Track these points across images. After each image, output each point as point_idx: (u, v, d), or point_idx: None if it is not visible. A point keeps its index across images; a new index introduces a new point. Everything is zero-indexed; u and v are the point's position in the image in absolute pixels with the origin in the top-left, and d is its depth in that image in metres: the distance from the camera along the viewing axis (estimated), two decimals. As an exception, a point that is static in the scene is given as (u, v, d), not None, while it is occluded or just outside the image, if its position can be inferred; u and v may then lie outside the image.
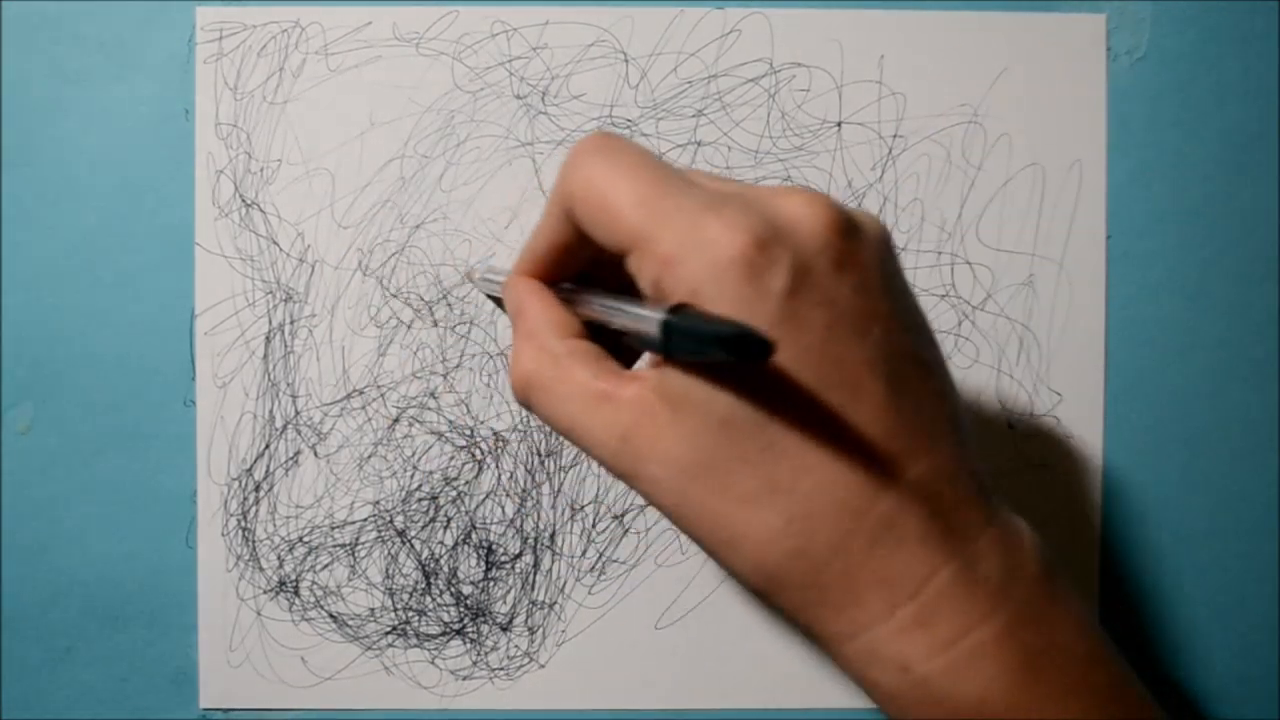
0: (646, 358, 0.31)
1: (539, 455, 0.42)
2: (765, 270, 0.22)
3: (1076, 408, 0.42)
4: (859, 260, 0.23)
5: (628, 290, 0.25)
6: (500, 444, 0.42)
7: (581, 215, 0.25)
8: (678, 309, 0.22)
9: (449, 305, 0.42)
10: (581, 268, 0.28)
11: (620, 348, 0.27)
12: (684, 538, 0.42)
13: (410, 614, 0.42)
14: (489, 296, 0.41)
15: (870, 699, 0.25)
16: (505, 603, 0.42)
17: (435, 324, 0.42)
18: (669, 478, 0.23)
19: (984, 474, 0.25)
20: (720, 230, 0.22)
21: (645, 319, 0.22)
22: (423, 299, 0.42)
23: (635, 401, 0.24)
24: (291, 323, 0.42)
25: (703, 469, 0.23)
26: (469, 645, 0.42)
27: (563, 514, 0.42)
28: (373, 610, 0.42)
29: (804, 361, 0.22)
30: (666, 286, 0.23)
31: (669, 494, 0.24)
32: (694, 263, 0.22)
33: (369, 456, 0.42)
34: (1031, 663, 0.23)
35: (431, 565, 0.42)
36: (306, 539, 0.42)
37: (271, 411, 0.42)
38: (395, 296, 0.42)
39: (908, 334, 0.24)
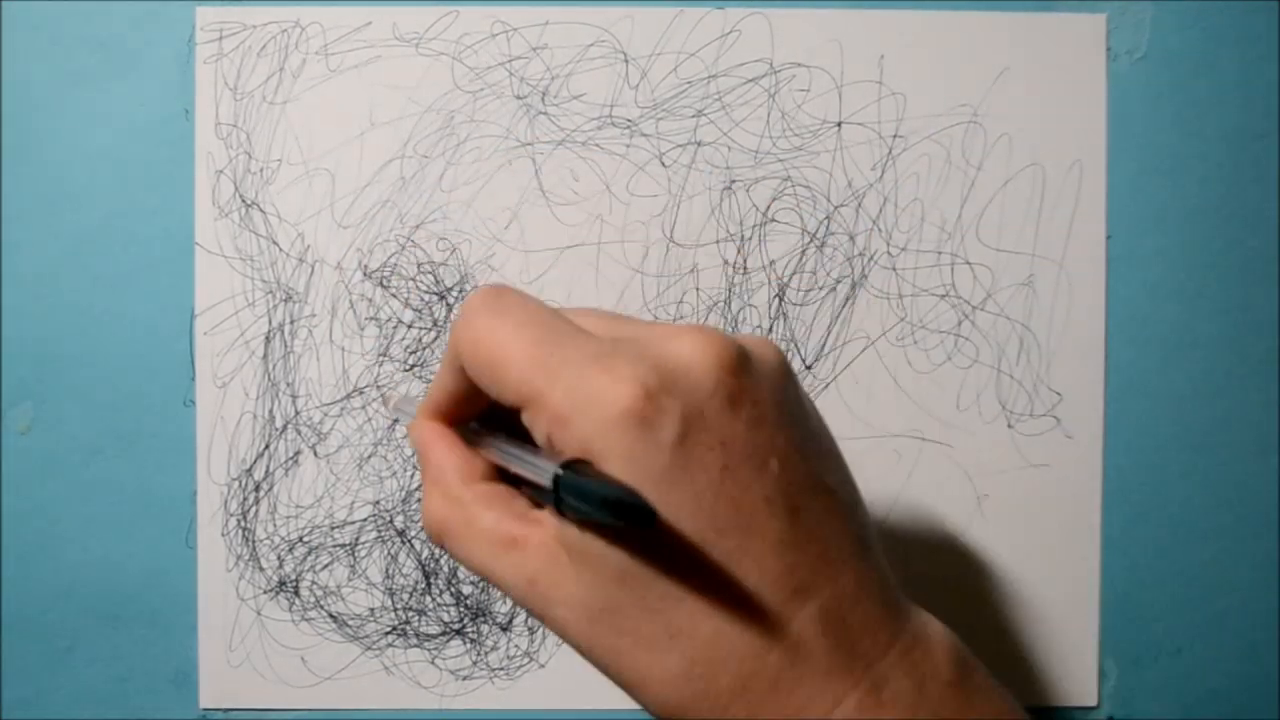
0: None
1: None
2: (654, 421, 0.22)
3: (1076, 408, 0.42)
4: (753, 395, 0.23)
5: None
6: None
7: (473, 372, 0.25)
8: (569, 465, 0.22)
9: (449, 305, 0.42)
10: (483, 409, 0.28)
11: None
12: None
13: (410, 614, 0.42)
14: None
15: None
16: (505, 603, 0.42)
17: (435, 324, 0.42)
18: (574, 621, 0.24)
19: (889, 583, 0.25)
20: (608, 384, 0.22)
21: (539, 471, 0.23)
22: (423, 299, 0.42)
23: (539, 548, 0.24)
24: (291, 323, 0.42)
25: (605, 614, 0.23)
26: (469, 645, 0.42)
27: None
28: (373, 610, 0.42)
29: (698, 508, 0.22)
30: (559, 442, 0.23)
31: (576, 635, 0.24)
32: (583, 419, 0.22)
33: (369, 456, 0.42)
34: None
35: (431, 565, 0.42)
36: (306, 539, 0.42)
37: (271, 411, 0.42)
38: (395, 296, 0.42)
39: (807, 461, 0.24)
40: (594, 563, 0.23)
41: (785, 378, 0.25)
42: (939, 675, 0.24)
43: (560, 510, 0.23)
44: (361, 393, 0.42)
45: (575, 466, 0.22)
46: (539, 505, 0.26)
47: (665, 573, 0.22)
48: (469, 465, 0.27)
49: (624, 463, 0.22)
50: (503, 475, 0.27)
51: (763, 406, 0.23)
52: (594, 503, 0.21)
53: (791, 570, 0.23)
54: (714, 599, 0.22)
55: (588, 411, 0.22)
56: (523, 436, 0.25)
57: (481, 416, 0.28)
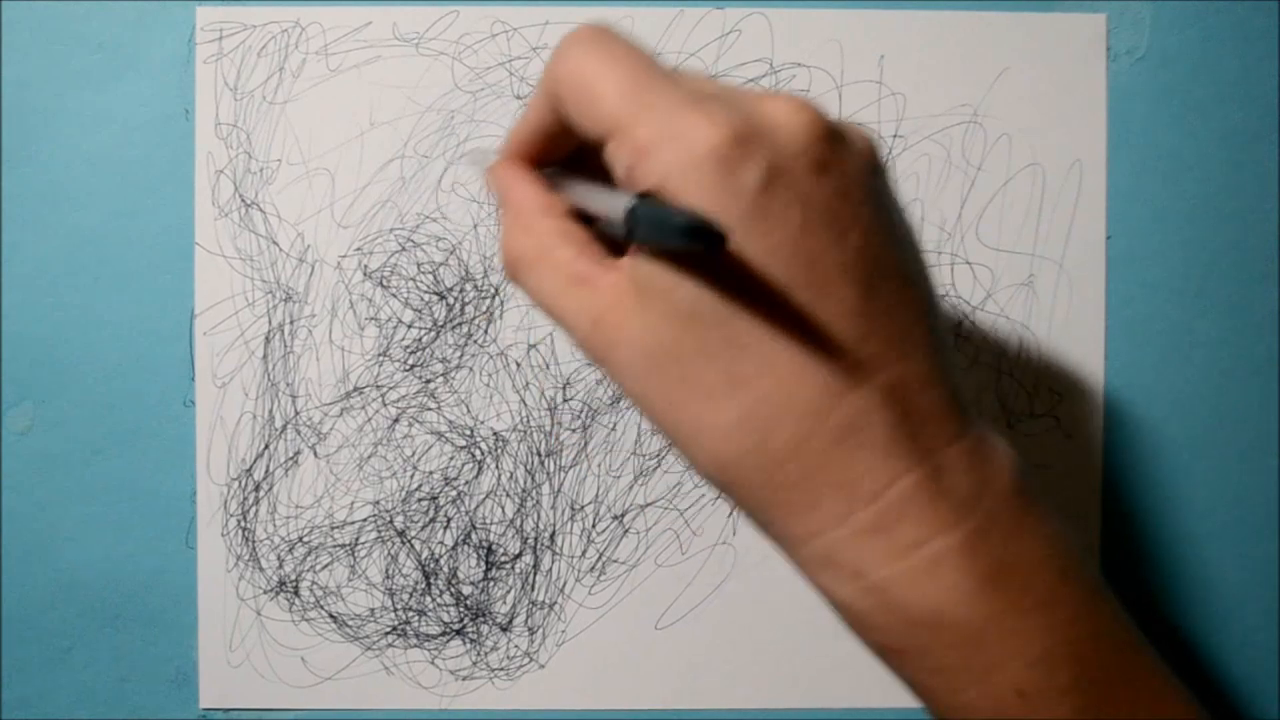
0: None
1: (539, 455, 0.42)
2: (739, 165, 0.22)
3: (1076, 408, 0.42)
4: (841, 167, 0.23)
5: (608, 180, 0.25)
6: (500, 444, 0.42)
7: (566, 102, 0.25)
8: (644, 196, 0.22)
9: (449, 305, 0.42)
10: (565, 154, 0.28)
11: (606, 237, 0.27)
12: (684, 537, 0.42)
13: (410, 614, 0.42)
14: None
15: (831, 609, 0.24)
16: (505, 603, 0.42)
17: (435, 324, 0.42)
18: (634, 365, 0.23)
19: (962, 390, 0.24)
20: (697, 122, 0.22)
21: (613, 204, 0.23)
22: (423, 299, 0.42)
23: (610, 287, 0.24)
24: (291, 323, 0.42)
25: (666, 358, 0.23)
26: (469, 645, 0.42)
27: (563, 514, 0.42)
28: (373, 610, 0.42)
29: (774, 258, 0.22)
30: (638, 175, 0.23)
31: (634, 381, 0.24)
32: (667, 153, 0.22)
33: (369, 456, 0.42)
34: (994, 575, 0.23)
35: (431, 565, 0.42)
36: (306, 539, 0.42)
37: (271, 411, 0.42)
38: (395, 296, 0.42)
39: (890, 244, 0.24)
40: (661, 299, 0.23)
41: (875, 164, 0.24)
42: (1000, 482, 0.24)
43: (631, 240, 0.22)
44: (361, 392, 0.42)
45: (650, 197, 0.22)
46: (614, 254, 0.26)
47: (733, 315, 0.22)
48: (549, 202, 0.27)
49: (703, 199, 0.22)
50: (580, 221, 0.27)
51: (848, 180, 0.23)
52: (666, 228, 0.20)
53: (862, 340, 0.22)
54: (779, 349, 0.22)
55: (673, 146, 0.22)
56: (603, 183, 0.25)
57: (561, 163, 0.28)
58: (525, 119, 0.28)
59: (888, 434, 0.22)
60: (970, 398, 0.25)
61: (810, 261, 0.22)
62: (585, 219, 0.27)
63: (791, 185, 0.22)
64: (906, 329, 0.23)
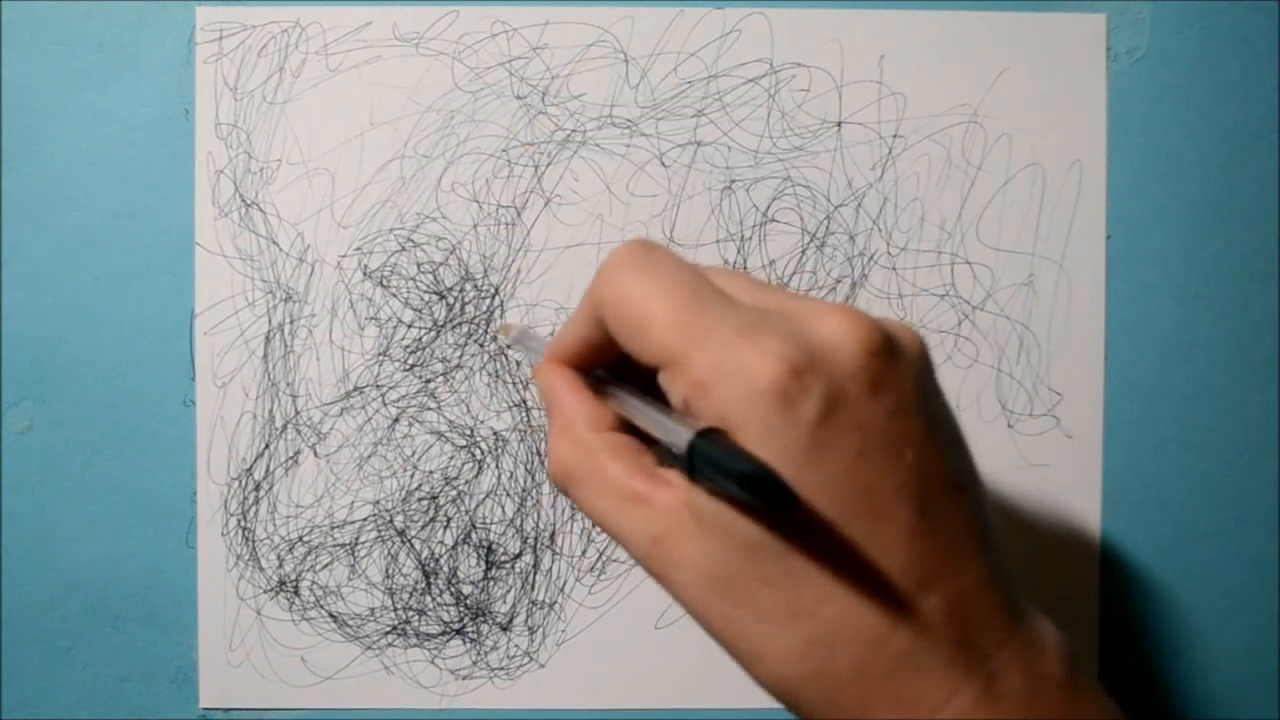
0: None
1: (539, 455, 0.42)
2: (798, 399, 0.22)
3: (1076, 408, 0.42)
4: (895, 382, 0.23)
5: (658, 385, 0.25)
6: (500, 444, 0.42)
7: (614, 326, 0.25)
8: (706, 433, 0.22)
9: (449, 305, 0.42)
10: (613, 360, 0.28)
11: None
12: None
13: (410, 614, 0.42)
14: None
15: None
16: (505, 602, 0.42)
17: (435, 324, 0.42)
18: (695, 586, 0.24)
19: (1009, 581, 0.25)
20: (754, 357, 0.22)
21: (672, 434, 0.23)
22: (423, 299, 0.42)
23: (667, 509, 0.24)
24: (291, 323, 0.42)
25: (727, 584, 0.23)
26: (469, 645, 0.42)
27: (563, 514, 0.42)
28: (373, 610, 0.42)
29: (832, 489, 0.22)
30: (697, 409, 0.23)
31: (695, 600, 0.24)
32: (726, 389, 0.22)
33: (369, 456, 0.42)
34: None
35: (431, 565, 0.42)
36: (306, 539, 0.42)
37: (271, 411, 0.42)
38: (395, 296, 0.42)
39: (941, 454, 0.24)
40: (722, 531, 0.23)
41: (926, 367, 0.24)
42: (1051, 675, 0.24)
43: (693, 476, 0.23)
44: (361, 392, 0.42)
45: (712, 435, 0.22)
46: (665, 463, 0.25)
47: (793, 550, 0.22)
48: (598, 413, 0.27)
49: (762, 438, 0.22)
50: (627, 427, 0.27)
51: (903, 394, 0.23)
52: (732, 477, 0.20)
53: (919, 560, 0.23)
54: (840, 580, 0.22)
55: (731, 382, 0.22)
56: (647, 389, 0.25)
57: (607, 368, 0.28)
58: (571, 328, 0.28)
59: (944, 653, 0.23)
60: (1014, 589, 0.25)
61: (868, 488, 0.22)
62: (630, 425, 0.27)
63: (849, 412, 0.22)
64: (960, 538, 0.23)
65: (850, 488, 0.22)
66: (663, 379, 0.24)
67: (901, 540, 0.23)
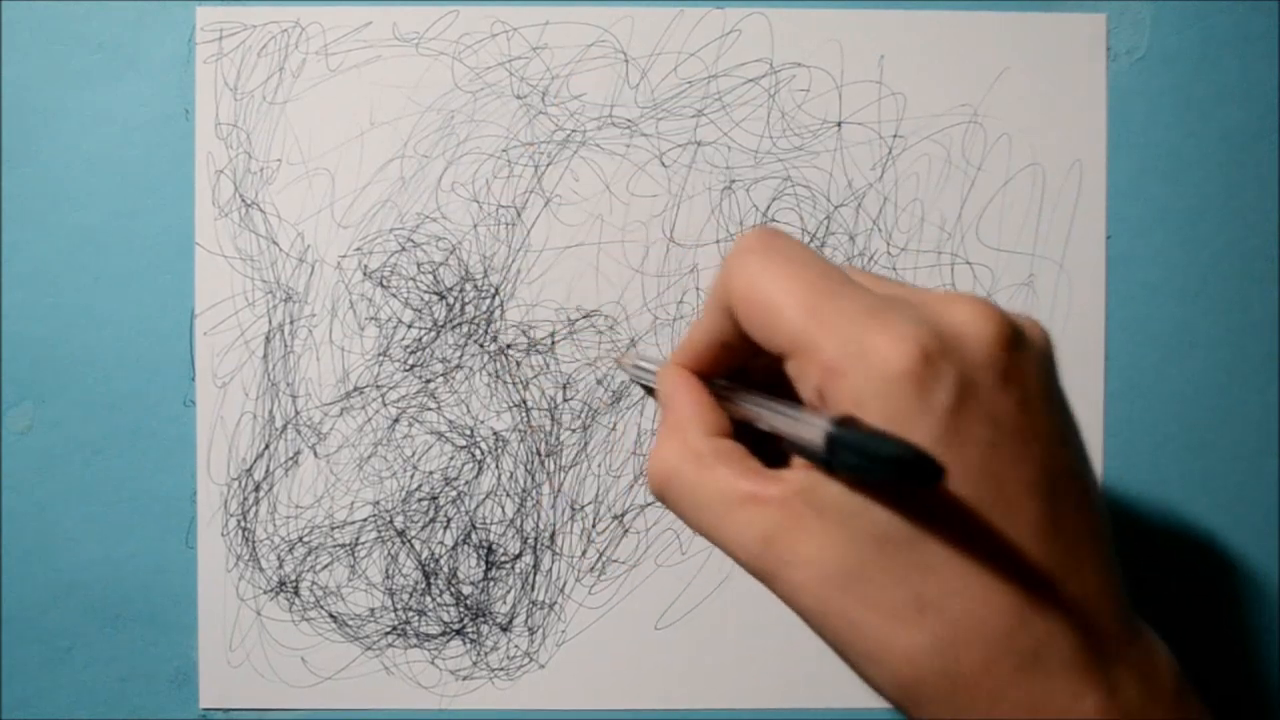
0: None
1: (539, 455, 0.42)
2: (931, 385, 0.21)
3: (1076, 407, 0.42)
4: (1024, 374, 0.23)
5: (780, 391, 0.25)
6: (500, 444, 0.42)
7: (743, 316, 0.25)
8: (844, 422, 0.21)
9: (449, 305, 0.42)
10: (739, 365, 0.28)
11: (760, 446, 0.27)
12: (684, 537, 0.42)
13: (410, 614, 0.42)
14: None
15: None
16: (505, 603, 0.42)
17: (435, 324, 0.42)
18: (812, 584, 0.23)
19: (1124, 590, 0.24)
20: (886, 341, 0.22)
21: (809, 427, 0.22)
22: (423, 299, 0.42)
23: (781, 504, 0.24)
24: (291, 323, 0.42)
25: (849, 579, 0.23)
26: (469, 645, 0.42)
27: (563, 514, 0.42)
28: (373, 610, 0.42)
29: (963, 479, 0.22)
30: (830, 396, 0.22)
31: (811, 599, 0.23)
32: (859, 374, 0.22)
33: (369, 456, 0.42)
34: None
35: (431, 565, 0.42)
36: (306, 539, 0.42)
37: (271, 411, 0.42)
38: (395, 296, 0.42)
39: (1066, 450, 0.23)
40: (849, 522, 0.22)
41: (1052, 363, 0.24)
42: (1165, 687, 0.24)
43: (831, 468, 0.22)
44: (361, 392, 0.42)
45: (851, 423, 0.21)
46: (774, 466, 0.25)
47: (923, 539, 0.22)
48: (714, 418, 0.27)
49: (897, 422, 0.21)
50: (739, 438, 0.26)
51: (1031, 387, 0.23)
52: (877, 460, 0.20)
53: (1046, 556, 0.22)
54: (971, 572, 0.22)
55: (864, 367, 0.22)
56: (777, 393, 0.25)
57: (731, 376, 0.28)
58: (698, 327, 0.27)
59: (1070, 653, 0.22)
60: (1128, 599, 0.25)
61: (999, 479, 0.22)
62: (739, 430, 0.26)
63: (981, 401, 0.22)
64: (1084, 538, 0.23)
65: (981, 478, 0.22)
66: (791, 368, 0.24)
67: (1031, 535, 0.22)
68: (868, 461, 0.20)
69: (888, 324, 0.22)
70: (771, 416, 0.25)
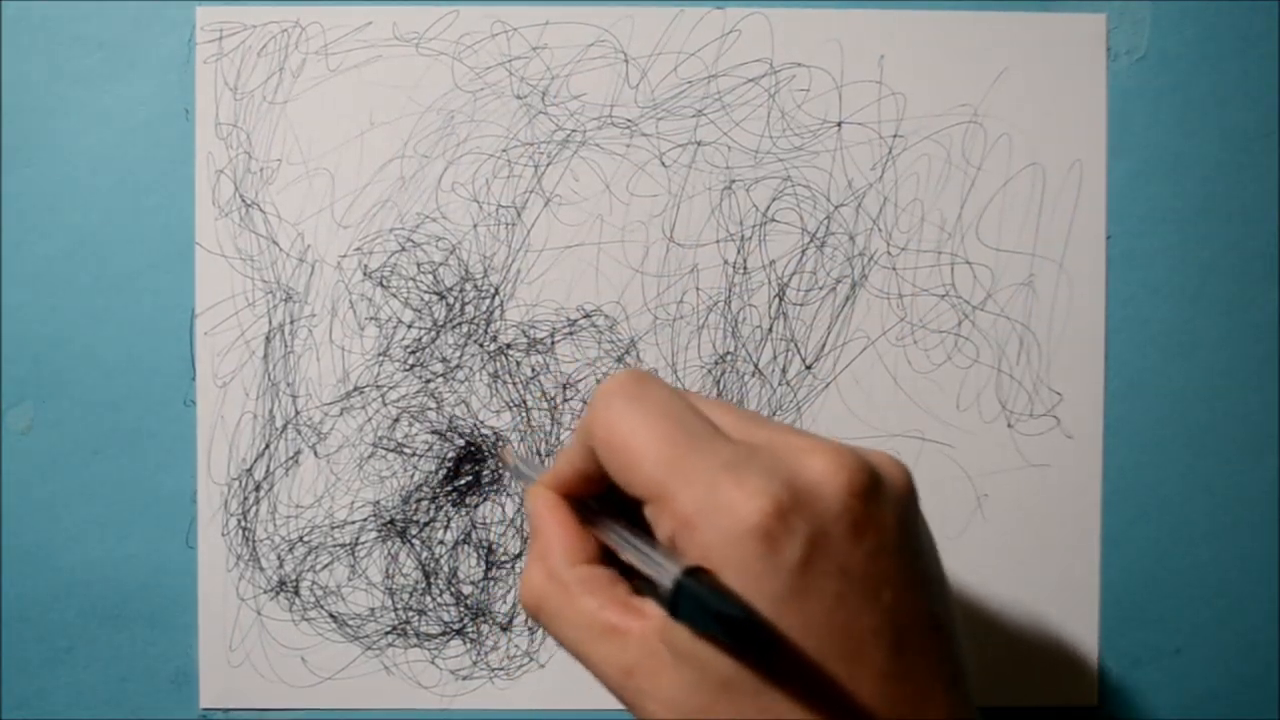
0: None
1: (539, 456, 0.42)
2: (780, 541, 0.22)
3: (1076, 408, 0.42)
4: (878, 523, 0.23)
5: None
6: (500, 444, 0.42)
7: (604, 459, 0.25)
8: (691, 572, 0.22)
9: (449, 305, 0.42)
10: (606, 490, 0.29)
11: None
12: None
13: (410, 614, 0.42)
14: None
15: None
16: (505, 602, 0.42)
17: (435, 324, 0.42)
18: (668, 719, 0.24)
19: (974, 713, 0.25)
20: (740, 497, 0.22)
21: (660, 570, 0.23)
22: (423, 299, 0.42)
23: (640, 641, 0.24)
24: (291, 323, 0.42)
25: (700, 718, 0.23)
26: (469, 645, 0.42)
27: (563, 514, 0.42)
28: (373, 610, 0.42)
29: (809, 632, 0.22)
30: (681, 545, 0.23)
31: None
32: (710, 528, 0.22)
33: (369, 456, 0.42)
34: None
35: (431, 565, 0.42)
36: (306, 539, 0.42)
37: (271, 411, 0.42)
38: (395, 296, 0.42)
39: (920, 593, 0.24)
40: (696, 666, 0.23)
41: (910, 504, 0.25)
42: None
43: (676, 614, 0.23)
44: (361, 392, 0.42)
45: (697, 574, 0.22)
46: (641, 593, 0.26)
47: (768, 689, 0.22)
48: (578, 545, 0.27)
49: (744, 579, 0.22)
50: (608, 556, 0.27)
51: (885, 535, 0.23)
52: (714, 619, 0.21)
53: (891, 704, 0.23)
54: None
55: (716, 521, 0.22)
56: (639, 522, 0.25)
57: (600, 496, 0.28)
58: (565, 456, 0.28)
59: None
60: (975, 692, 0.25)
61: (845, 631, 0.22)
62: (611, 553, 0.27)
63: (831, 553, 0.22)
64: (932, 680, 0.23)
65: (827, 630, 0.22)
66: (649, 513, 0.24)
67: (874, 683, 0.23)
68: (705, 618, 0.21)
69: (742, 479, 0.23)
70: (631, 552, 0.25)
